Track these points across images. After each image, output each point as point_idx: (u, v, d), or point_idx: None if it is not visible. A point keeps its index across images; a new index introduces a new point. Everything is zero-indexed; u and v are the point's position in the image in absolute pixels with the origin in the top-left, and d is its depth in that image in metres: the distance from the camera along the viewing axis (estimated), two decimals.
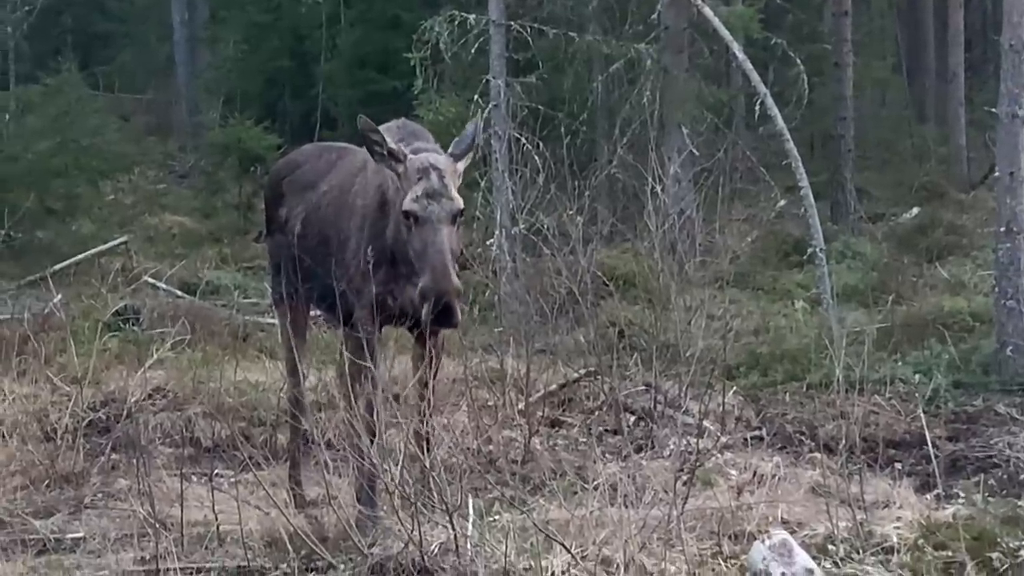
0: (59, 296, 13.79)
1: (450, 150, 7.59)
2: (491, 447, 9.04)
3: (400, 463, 7.57)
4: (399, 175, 7.39)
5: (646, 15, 16.34)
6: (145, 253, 17.44)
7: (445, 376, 9.33)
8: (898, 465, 9.04)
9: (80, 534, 7.91)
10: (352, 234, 8.08)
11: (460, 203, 7.26)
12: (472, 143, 7.69)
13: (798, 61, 17.60)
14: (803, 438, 9.66)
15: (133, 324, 12.73)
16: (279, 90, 25.72)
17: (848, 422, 8.63)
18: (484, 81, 15.81)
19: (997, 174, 11.77)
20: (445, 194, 7.21)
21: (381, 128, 7.76)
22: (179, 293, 14.92)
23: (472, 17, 15.92)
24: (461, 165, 7.58)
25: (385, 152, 7.47)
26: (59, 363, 10.62)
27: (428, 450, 7.80)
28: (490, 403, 9.93)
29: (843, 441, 8.59)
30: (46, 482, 8.80)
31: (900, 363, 11.18)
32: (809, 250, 13.58)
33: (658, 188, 11.93)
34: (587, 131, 16.00)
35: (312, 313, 9.21)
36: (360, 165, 8.11)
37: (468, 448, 8.91)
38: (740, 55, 14.48)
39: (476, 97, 15.76)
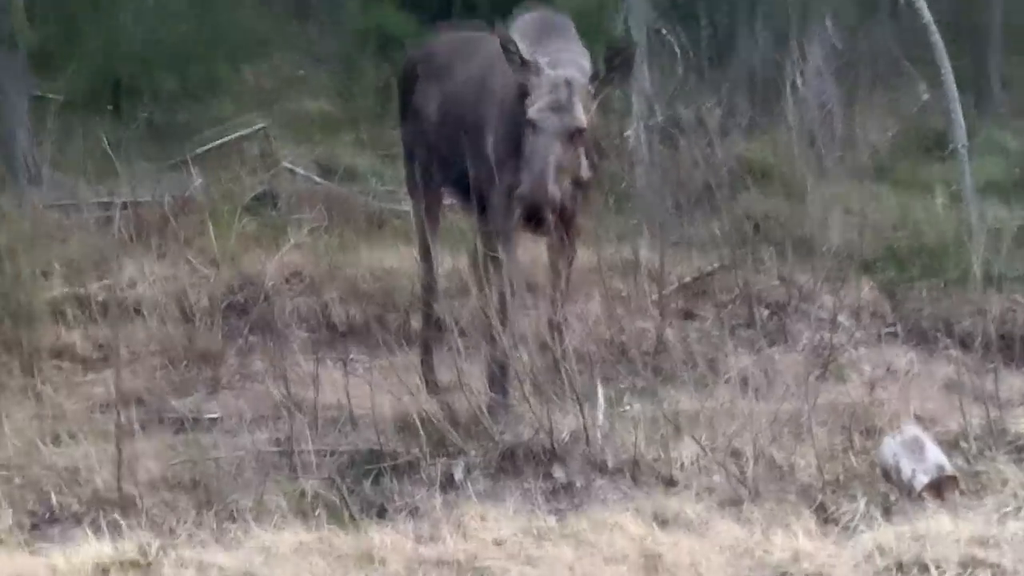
0: (199, 179, 13.94)
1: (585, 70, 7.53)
2: (623, 337, 9.05)
3: (531, 350, 7.64)
4: (531, 85, 7.40)
5: None
6: (283, 138, 17.51)
7: (579, 265, 9.35)
8: None
9: (216, 414, 8.10)
10: (490, 121, 8.10)
11: (582, 121, 7.27)
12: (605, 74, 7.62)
13: None
14: (938, 334, 9.59)
15: (271, 208, 12.84)
16: None
17: (985, 318, 8.57)
18: None
19: None
20: (569, 110, 7.23)
21: (522, 18, 7.79)
22: (317, 178, 14.98)
23: None
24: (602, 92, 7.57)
25: (519, 62, 7.49)
26: (198, 245, 10.77)
27: (560, 338, 7.87)
28: (623, 293, 9.95)
29: (979, 337, 8.55)
30: (184, 362, 8.98)
31: None
32: (951, 144, 13.39)
33: (799, 80, 11.82)
34: (728, 22, 15.81)
35: (446, 200, 9.25)
36: (500, 53, 8.10)
37: (600, 337, 8.96)
38: None
39: None
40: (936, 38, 13.37)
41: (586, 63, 7.60)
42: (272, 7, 25.80)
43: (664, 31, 14.03)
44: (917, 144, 16.56)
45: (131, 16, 18.50)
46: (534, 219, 7.52)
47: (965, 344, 8.99)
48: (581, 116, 7.29)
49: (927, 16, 13.35)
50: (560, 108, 7.26)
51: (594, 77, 7.43)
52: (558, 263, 8.20)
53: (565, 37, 7.84)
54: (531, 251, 9.24)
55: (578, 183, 7.76)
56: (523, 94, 7.57)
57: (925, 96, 16.95)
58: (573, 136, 7.31)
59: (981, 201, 12.71)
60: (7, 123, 15.96)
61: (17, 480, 6.82)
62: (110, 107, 17.56)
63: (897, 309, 10.08)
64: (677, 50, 13.30)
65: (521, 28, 7.84)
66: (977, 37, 20.69)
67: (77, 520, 6.35)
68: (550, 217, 7.39)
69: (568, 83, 7.30)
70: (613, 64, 7.58)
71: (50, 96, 17.17)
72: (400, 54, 18.85)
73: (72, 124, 16.33)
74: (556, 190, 7.21)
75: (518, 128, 7.64)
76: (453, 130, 8.34)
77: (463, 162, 8.10)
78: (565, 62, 7.50)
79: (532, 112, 7.32)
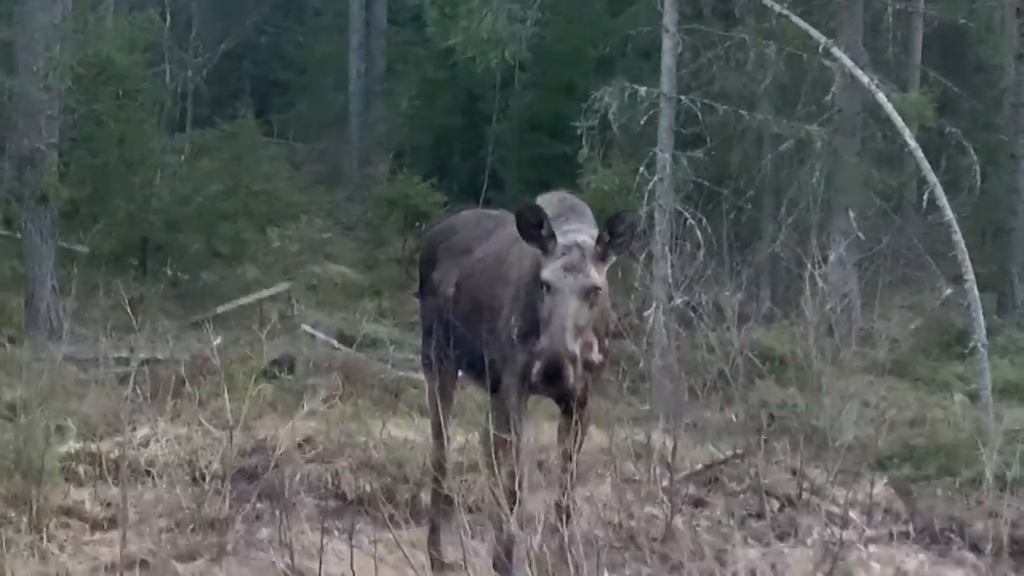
0: (219, 339, 13.98)
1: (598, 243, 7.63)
2: (632, 523, 8.99)
3: (539, 533, 7.58)
4: (546, 250, 7.48)
5: (819, 96, 16.24)
6: (306, 301, 17.64)
7: (591, 447, 9.31)
8: None
9: None
10: (505, 303, 8.13)
11: (596, 281, 7.33)
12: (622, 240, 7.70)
13: (972, 151, 17.41)
14: (951, 536, 9.50)
15: (288, 372, 12.89)
16: (449, 148, 25.93)
17: (998, 522, 8.50)
18: (651, 153, 15.83)
19: None
20: (582, 270, 7.31)
21: (542, 198, 7.88)
22: (336, 344, 15.07)
23: (643, 89, 15.94)
24: (612, 258, 7.62)
25: (544, 234, 7.57)
26: (213, 407, 10.77)
27: (568, 522, 7.82)
28: (635, 477, 9.91)
29: (991, 542, 8.47)
30: (191, 526, 8.89)
31: None
32: (971, 343, 13.40)
33: (818, 271, 11.85)
34: (752, 209, 15.95)
35: (460, 376, 9.26)
36: (517, 234, 8.18)
37: (609, 522, 8.89)
38: (912, 143, 14.34)
39: (642, 168, 15.78)
40: (958, 237, 13.47)
41: (596, 233, 7.71)
42: (303, 174, 26.21)
43: (687, 216, 14.14)
44: (937, 341, 16.59)
45: (162, 177, 18.76)
46: (554, 377, 7.52)
47: (977, 547, 8.89)
48: (595, 275, 7.37)
49: (949, 214, 13.46)
50: (574, 268, 7.35)
51: (598, 241, 7.50)
52: (568, 445, 8.18)
53: (581, 217, 7.92)
54: (542, 433, 9.25)
55: (589, 366, 7.79)
56: (539, 264, 7.68)
57: (947, 292, 16.98)
58: (588, 294, 7.36)
59: (1000, 402, 12.71)
60: (33, 275, 16.13)
61: None
62: (135, 263, 17.75)
63: (911, 508, 10.00)
64: (699, 235, 13.37)
65: (544, 201, 7.94)
66: (1000, 237, 20.82)
67: None
68: (570, 375, 7.40)
69: (579, 246, 7.39)
70: (618, 230, 7.65)
71: (77, 248, 17.35)
72: (427, 225, 19.13)
73: (96, 279, 16.50)
74: (575, 346, 7.24)
75: (533, 309, 7.71)
76: (470, 308, 8.38)
77: (478, 340, 8.12)
78: (576, 231, 7.60)
79: (547, 273, 7.41)
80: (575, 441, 8.16)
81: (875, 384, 13.19)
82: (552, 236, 7.55)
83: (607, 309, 8.06)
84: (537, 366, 7.44)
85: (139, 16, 23.98)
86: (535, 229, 7.59)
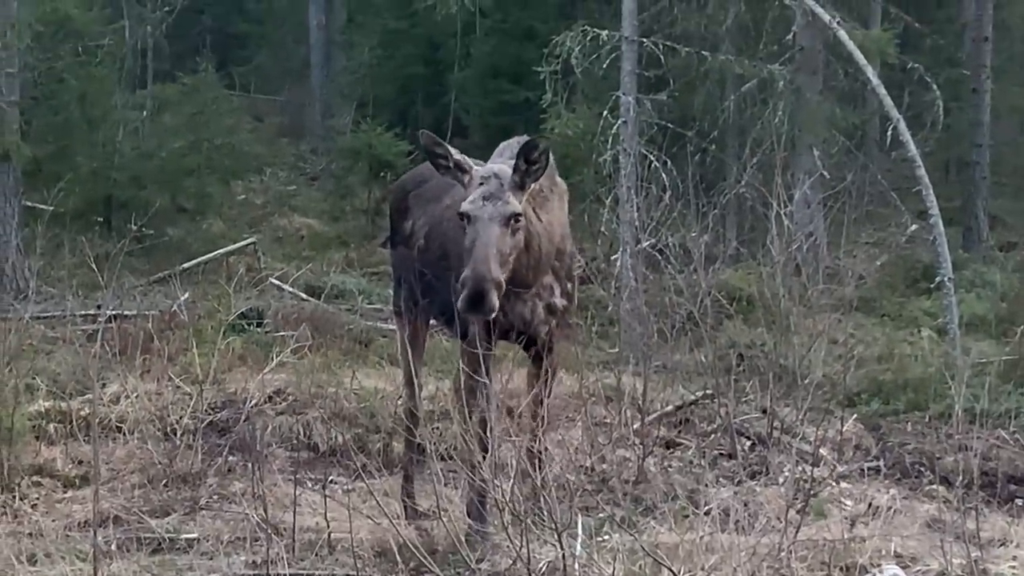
0: (186, 294, 13.95)
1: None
2: (604, 466, 9.03)
3: (512, 479, 7.60)
4: (464, 185, 7.50)
5: (780, 36, 16.25)
6: (272, 254, 17.61)
7: (561, 392, 9.33)
8: (1018, 501, 8.88)
9: (194, 535, 8.00)
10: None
11: (516, 207, 7.33)
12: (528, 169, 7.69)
13: (934, 86, 17.41)
14: (922, 470, 9.56)
15: (256, 326, 12.85)
16: (411, 97, 25.82)
17: (968, 455, 8.55)
18: (614, 97, 15.81)
19: None
20: (501, 197, 7.32)
21: (503, 144, 7.89)
22: (304, 296, 15.04)
23: (605, 33, 15.89)
24: (531, 185, 7.60)
25: (451, 164, 7.59)
26: (182, 362, 10.75)
27: (540, 467, 7.84)
28: (606, 420, 9.94)
29: (962, 475, 8.51)
30: (163, 481, 8.91)
31: None
32: (937, 278, 13.45)
33: (784, 211, 11.86)
34: (716, 150, 15.95)
35: (432, 323, 9.25)
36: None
37: (581, 466, 8.92)
38: (874, 80, 14.34)
39: (605, 112, 15.76)
40: (922, 172, 13.50)
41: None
42: (266, 126, 26.14)
43: (652, 159, 14.13)
44: (903, 277, 16.64)
45: (125, 133, 18.67)
46: (479, 303, 7.49)
47: (948, 481, 8.94)
48: (514, 202, 7.37)
49: (913, 150, 13.49)
50: (492, 197, 7.36)
51: (515, 170, 7.49)
52: (539, 391, 8.20)
53: (511, 153, 7.92)
54: (512, 381, 9.26)
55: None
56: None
57: (912, 228, 17.03)
58: (508, 221, 7.35)
59: (967, 336, 12.76)
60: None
61: None
62: (100, 221, 17.66)
63: (881, 444, 10.06)
64: (664, 177, 13.36)
65: (497, 154, 7.96)
66: (964, 172, 20.88)
67: None
68: (494, 300, 7.37)
69: (496, 175, 7.40)
70: (532, 157, 7.64)
71: (40, 207, 17.25)
72: (392, 174, 19.06)
73: (61, 237, 16.39)
74: (499, 272, 7.23)
75: None
76: (439, 256, 8.36)
77: (447, 288, 8.10)
78: (494, 163, 7.63)
79: (464, 205, 7.44)
80: (545, 387, 8.19)
81: (842, 321, 13.18)
82: (465, 166, 7.57)
83: (571, 252, 8.08)
84: (463, 294, 7.44)
85: None
86: (442, 160, 7.62)
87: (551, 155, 7.74)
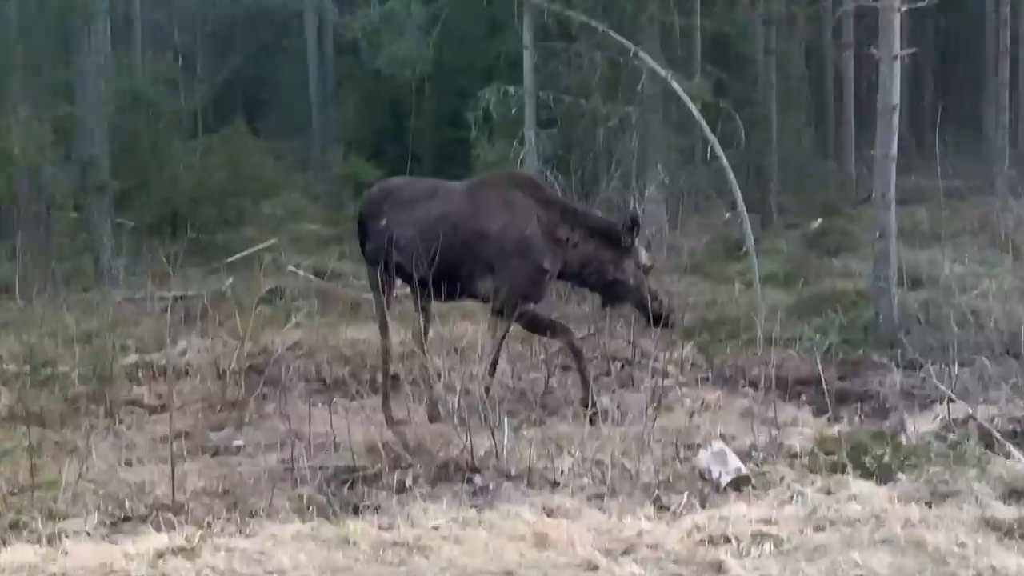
0: (230, 279, 13.90)
1: None
2: (521, 384, 9.04)
3: (457, 395, 7.61)
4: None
5: (633, 86, 16.25)
6: (289, 250, 17.42)
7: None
8: (802, 397, 8.92)
9: (240, 442, 7.99)
10: (498, 241, 8.36)
11: None
12: None
13: (737, 118, 17.57)
14: (737, 378, 9.62)
15: (279, 299, 12.80)
16: (382, 138, 25.60)
17: (767, 367, 8.61)
18: (520, 133, 15.82)
19: (874, 195, 11.72)
20: None
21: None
22: (312, 277, 14.93)
23: (512, 88, 15.93)
24: None
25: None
26: (228, 325, 10.65)
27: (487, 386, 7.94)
28: (523, 354, 9.94)
29: (763, 380, 8.59)
30: (218, 407, 8.88)
31: (806, 326, 11.08)
32: (744, 249, 13.52)
33: (639, 207, 11.92)
34: (591, 167, 15.92)
35: (398, 288, 9.18)
36: (467, 192, 8.65)
37: (506, 385, 8.92)
38: (697, 114, 14.39)
39: (515, 143, 15.77)
40: (731, 177, 13.57)
41: None
42: (283, 161, 25.87)
43: (548, 175, 14.12)
44: (721, 249, 16.71)
45: (183, 169, 18.53)
46: None
47: (754, 384, 9.01)
48: None
49: (725, 162, 13.55)
50: None
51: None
52: (494, 336, 8.44)
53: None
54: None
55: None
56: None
57: (727, 215, 17.10)
58: None
59: (765, 287, 12.86)
60: (96, 243, 15.87)
61: (101, 492, 6.70)
62: (168, 230, 17.51)
63: (709, 361, 10.11)
64: (557, 188, 13.35)
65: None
66: (760, 176, 20.97)
67: (142, 520, 6.22)
68: None
69: None
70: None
71: (126, 222, 17.13)
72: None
73: (141, 243, 16.34)
74: None
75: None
76: (431, 247, 8.14)
77: (432, 266, 8.09)
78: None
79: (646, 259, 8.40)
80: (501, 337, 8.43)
81: (681, 280, 13.37)
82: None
83: None
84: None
85: (160, 57, 23.83)
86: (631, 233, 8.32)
87: None
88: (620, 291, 8.45)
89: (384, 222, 8.62)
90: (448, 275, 8.15)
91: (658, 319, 8.42)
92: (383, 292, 8.77)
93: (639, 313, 8.72)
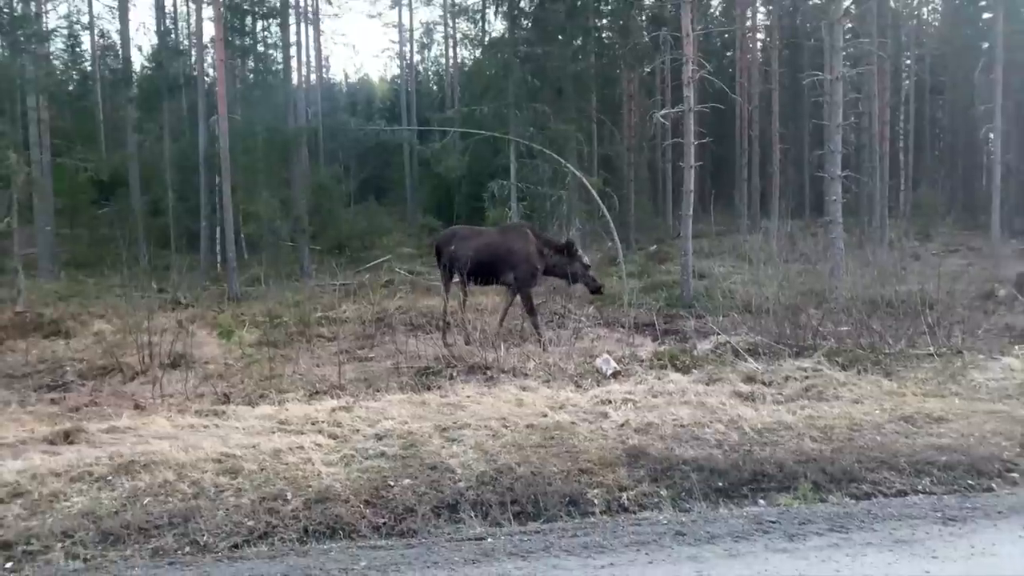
0: (367, 276, 13.79)
1: None
2: (511, 328, 8.98)
3: (479, 332, 7.56)
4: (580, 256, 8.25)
5: (563, 180, 16.11)
6: (397, 263, 17.32)
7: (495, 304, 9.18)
8: (646, 332, 8.90)
9: (372, 355, 7.93)
10: (516, 259, 8.22)
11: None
12: None
13: (614, 196, 17.43)
14: (615, 323, 9.57)
15: (391, 285, 12.71)
16: (441, 206, 24.62)
17: (630, 317, 8.58)
18: (509, 203, 15.62)
19: (681, 234, 11.64)
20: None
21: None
22: (408, 275, 14.83)
23: (504, 181, 15.79)
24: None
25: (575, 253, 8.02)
26: (367, 298, 10.58)
27: (500, 326, 7.83)
28: (512, 312, 9.79)
29: (627, 324, 8.55)
30: (361, 338, 8.81)
31: (648, 297, 11.04)
32: (618, 262, 13.46)
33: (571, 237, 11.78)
34: (545, 221, 15.72)
35: (455, 282, 9.06)
36: (502, 234, 8.38)
37: (502, 328, 8.88)
38: (595, 193, 14.27)
39: (506, 209, 15.58)
40: (612, 225, 13.39)
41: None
42: (392, 218, 25.49)
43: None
44: (607, 263, 16.58)
45: (344, 221, 18.44)
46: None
47: (623, 325, 8.96)
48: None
49: (609, 217, 13.38)
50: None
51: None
52: (506, 305, 8.30)
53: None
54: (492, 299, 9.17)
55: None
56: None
57: (610, 245, 16.86)
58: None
59: (628, 278, 12.76)
60: (301, 257, 15.75)
61: (303, 379, 6.69)
62: (337, 251, 17.40)
63: (602, 314, 10.04)
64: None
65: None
66: (625, 224, 20.75)
67: (325, 393, 6.21)
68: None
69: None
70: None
71: (314, 247, 16.96)
72: (436, 234, 18.67)
73: (323, 259, 16.10)
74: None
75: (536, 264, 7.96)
76: (481, 260, 8.09)
77: (478, 269, 7.98)
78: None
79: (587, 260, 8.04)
80: (509, 304, 8.36)
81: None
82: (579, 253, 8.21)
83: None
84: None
85: (332, 166, 23.36)
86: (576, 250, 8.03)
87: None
88: (575, 278, 8.40)
89: (452, 247, 8.56)
90: (485, 273, 8.17)
91: (596, 290, 8.35)
92: (446, 284, 8.71)
93: (586, 288, 8.62)
